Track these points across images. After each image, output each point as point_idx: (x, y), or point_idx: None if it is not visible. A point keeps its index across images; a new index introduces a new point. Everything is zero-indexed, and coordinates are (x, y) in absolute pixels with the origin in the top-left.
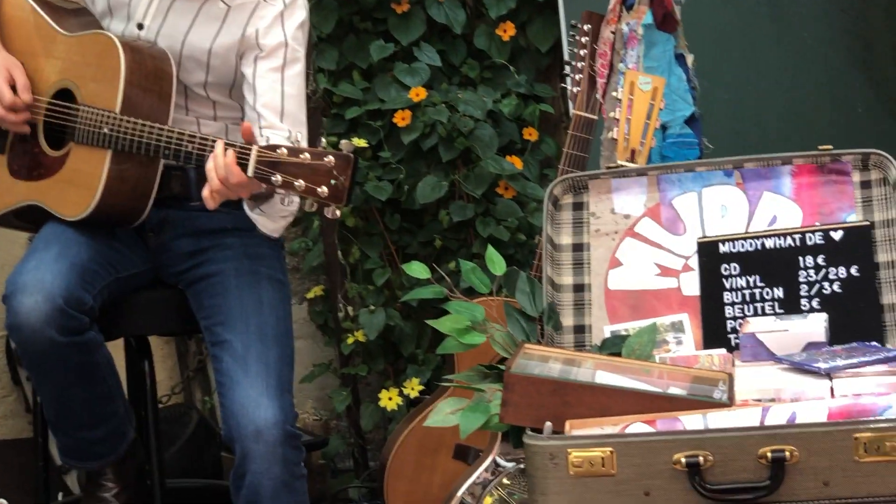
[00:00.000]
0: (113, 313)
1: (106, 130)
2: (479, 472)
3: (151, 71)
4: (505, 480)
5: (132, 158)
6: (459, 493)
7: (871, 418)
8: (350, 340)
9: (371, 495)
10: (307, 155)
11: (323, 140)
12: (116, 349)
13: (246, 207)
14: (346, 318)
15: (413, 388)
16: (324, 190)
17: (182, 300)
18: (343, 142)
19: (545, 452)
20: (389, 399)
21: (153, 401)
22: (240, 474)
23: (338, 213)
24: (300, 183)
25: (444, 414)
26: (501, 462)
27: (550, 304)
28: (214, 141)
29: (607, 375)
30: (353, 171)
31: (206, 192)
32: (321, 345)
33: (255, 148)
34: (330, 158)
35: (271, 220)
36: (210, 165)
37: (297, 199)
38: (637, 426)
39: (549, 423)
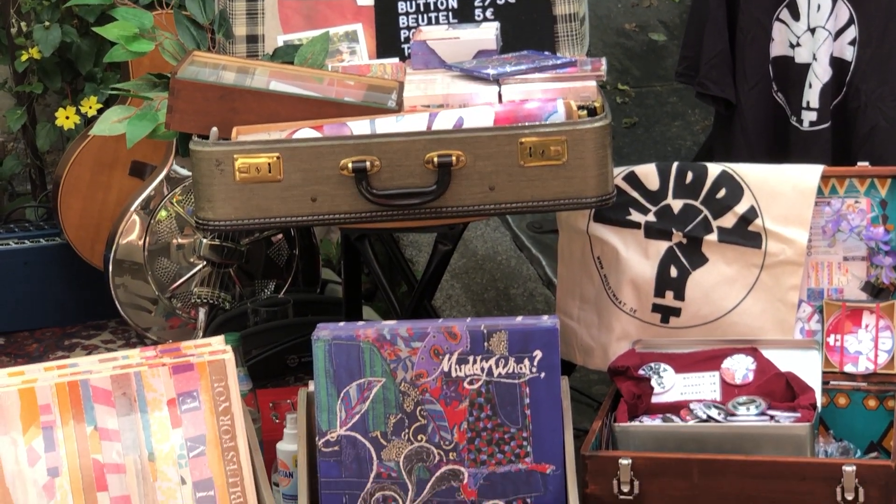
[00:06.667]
0: None
1: None
2: (153, 187)
3: None
4: (179, 196)
5: None
6: (133, 208)
7: (536, 123)
8: (24, 57)
9: (48, 215)
10: None
11: None
12: None
13: None
14: (19, 33)
15: (91, 106)
16: None
17: None
18: None
19: (211, 159)
20: (66, 118)
21: None
22: None
23: None
24: None
25: (111, 122)
26: (179, 170)
27: (222, 11)
28: None
29: (280, 84)
30: None
31: None
32: None
33: None
34: None
35: None
36: None
37: None
38: (305, 132)
39: (215, 129)
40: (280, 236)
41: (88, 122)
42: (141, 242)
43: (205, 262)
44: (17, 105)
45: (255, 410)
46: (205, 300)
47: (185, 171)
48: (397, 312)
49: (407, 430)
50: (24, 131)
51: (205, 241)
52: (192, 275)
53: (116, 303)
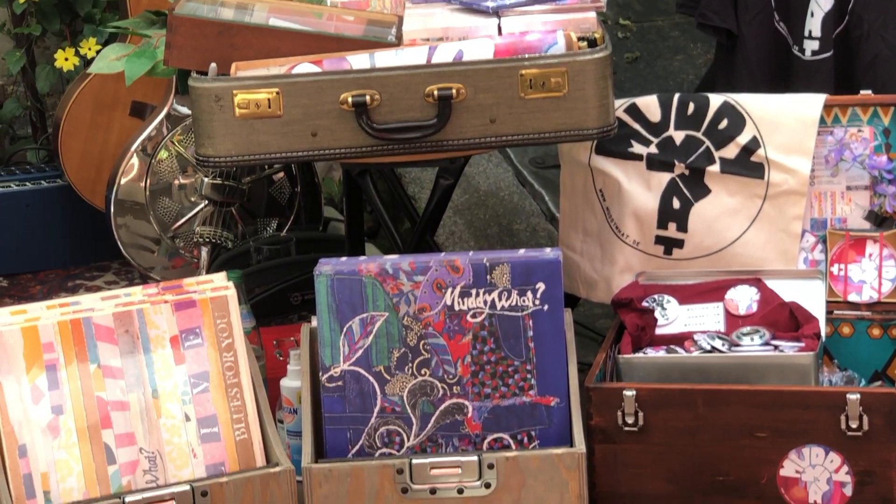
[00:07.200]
0: None
1: None
2: (153, 126)
3: None
4: (179, 135)
5: None
6: (133, 148)
7: (537, 55)
8: None
9: (49, 157)
10: None
11: None
12: None
13: None
14: None
15: (90, 47)
16: None
17: None
18: None
19: (210, 95)
20: (66, 60)
21: None
22: None
23: None
24: None
25: (109, 60)
26: (179, 108)
27: None
28: None
29: (279, 20)
30: None
31: None
32: None
33: None
34: None
35: None
36: None
37: None
38: (304, 66)
39: (213, 65)
40: (282, 174)
41: (88, 63)
42: (142, 183)
43: (206, 202)
44: (16, 47)
45: (259, 348)
46: (207, 239)
47: (185, 110)
48: (400, 249)
49: (410, 365)
50: (23, 74)
51: (206, 179)
52: (194, 214)
53: (119, 243)
